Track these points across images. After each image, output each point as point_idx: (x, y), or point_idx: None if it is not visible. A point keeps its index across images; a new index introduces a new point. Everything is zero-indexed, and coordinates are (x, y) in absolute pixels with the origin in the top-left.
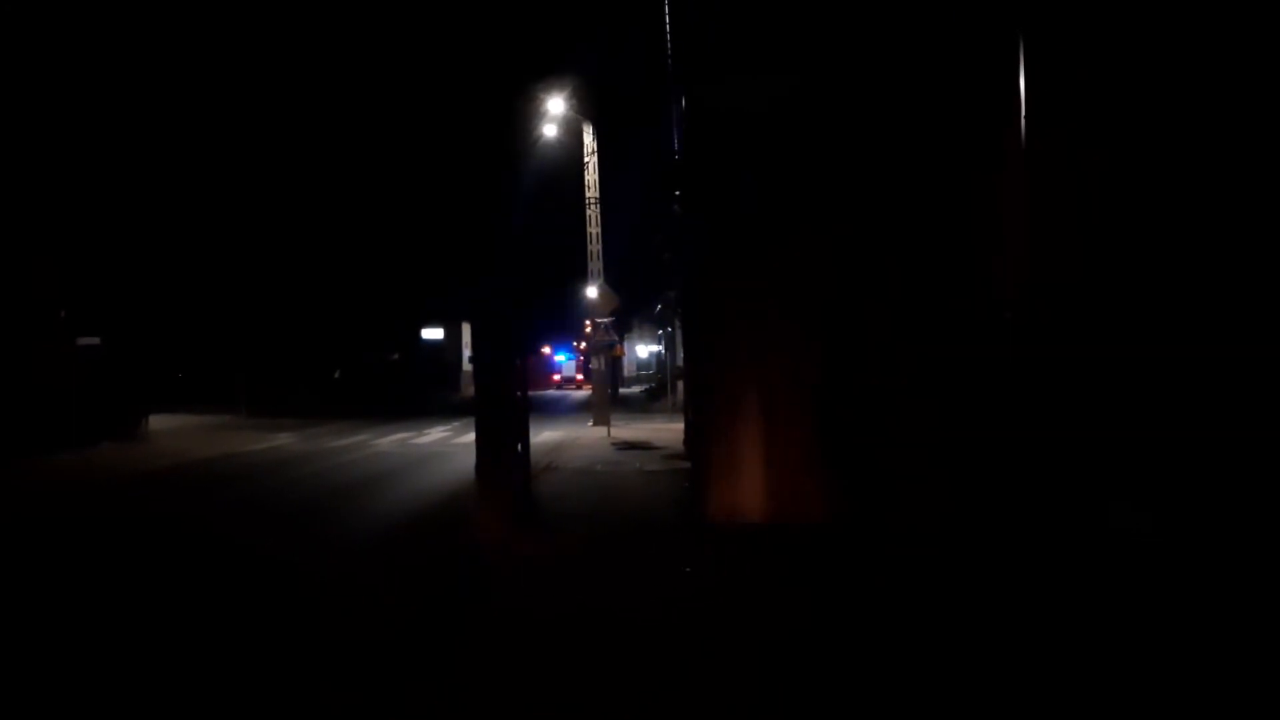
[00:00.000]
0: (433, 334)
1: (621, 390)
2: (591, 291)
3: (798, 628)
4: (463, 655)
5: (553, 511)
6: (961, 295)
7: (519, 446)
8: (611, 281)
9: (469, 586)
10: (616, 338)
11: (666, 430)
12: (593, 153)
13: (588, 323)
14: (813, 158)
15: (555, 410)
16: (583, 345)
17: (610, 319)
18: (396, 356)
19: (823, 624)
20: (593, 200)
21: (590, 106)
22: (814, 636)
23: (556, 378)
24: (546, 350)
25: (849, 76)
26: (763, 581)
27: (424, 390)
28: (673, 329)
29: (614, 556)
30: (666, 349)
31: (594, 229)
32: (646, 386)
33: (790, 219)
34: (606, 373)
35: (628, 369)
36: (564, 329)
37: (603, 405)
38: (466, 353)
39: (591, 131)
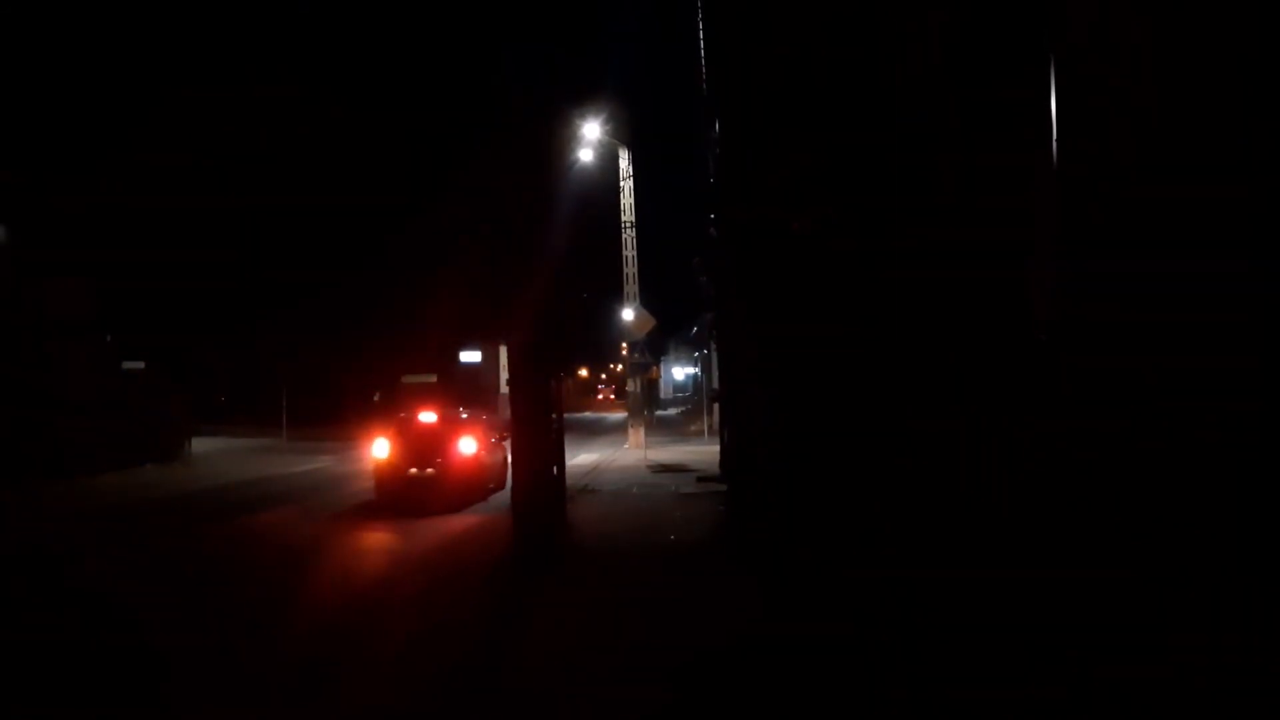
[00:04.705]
0: (470, 357)
1: (658, 412)
2: (628, 314)
3: None
4: None
5: (587, 533)
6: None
7: (554, 469)
8: (648, 304)
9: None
10: (653, 360)
11: (703, 452)
12: (628, 177)
13: (624, 345)
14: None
15: (593, 431)
16: (619, 367)
17: (646, 341)
18: (434, 379)
19: None
20: (629, 224)
21: (626, 131)
22: None
23: (599, 398)
24: (584, 372)
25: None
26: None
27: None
28: (709, 351)
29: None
30: (703, 371)
31: (630, 252)
32: (683, 408)
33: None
34: (643, 395)
35: (664, 391)
36: (601, 351)
37: (639, 427)
38: (503, 375)
39: (627, 156)
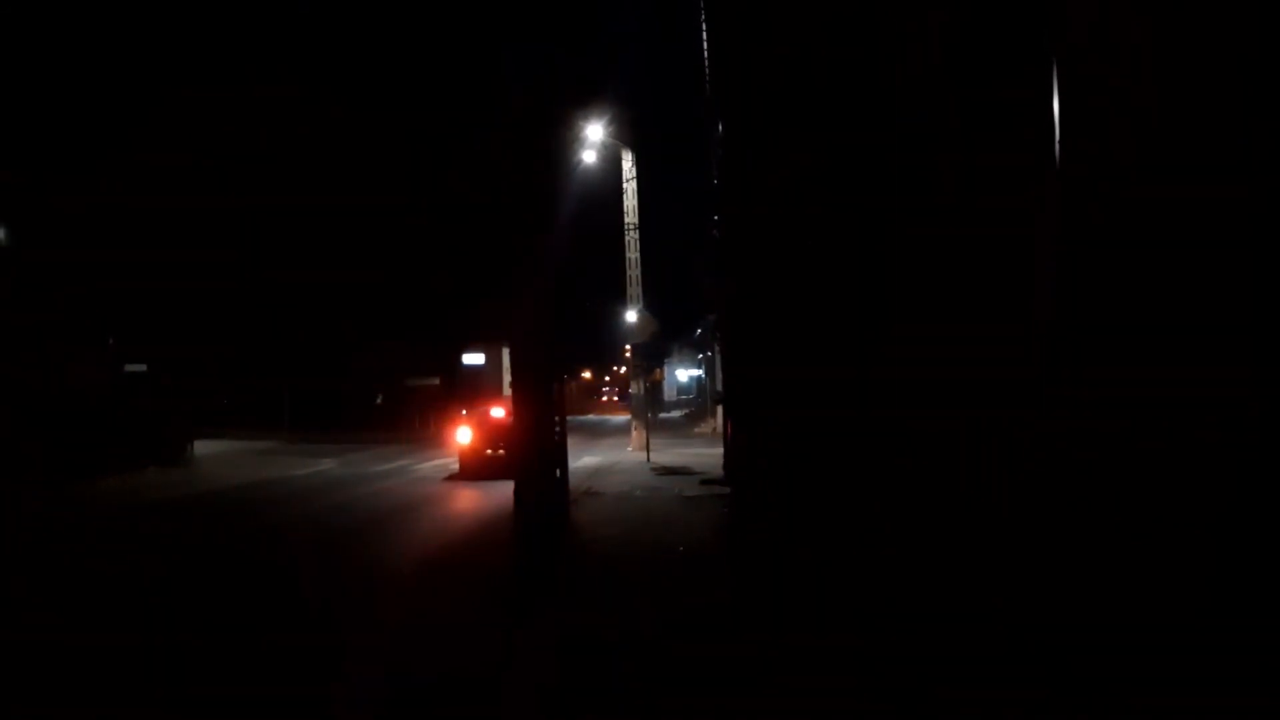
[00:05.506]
0: (473, 359)
1: (661, 415)
2: (631, 316)
3: None
4: None
5: (590, 536)
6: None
7: (557, 471)
8: (651, 305)
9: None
10: (656, 363)
11: (706, 455)
12: (631, 178)
13: (627, 347)
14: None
15: (596, 434)
16: (622, 370)
17: (649, 343)
18: (437, 381)
19: None
20: (632, 226)
21: (630, 132)
22: None
23: (603, 399)
24: (587, 374)
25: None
26: None
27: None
28: (712, 353)
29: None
30: (706, 373)
31: (633, 254)
32: (686, 411)
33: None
34: (646, 397)
35: (667, 393)
36: (604, 353)
37: (642, 430)
38: (506, 378)
39: (631, 157)
